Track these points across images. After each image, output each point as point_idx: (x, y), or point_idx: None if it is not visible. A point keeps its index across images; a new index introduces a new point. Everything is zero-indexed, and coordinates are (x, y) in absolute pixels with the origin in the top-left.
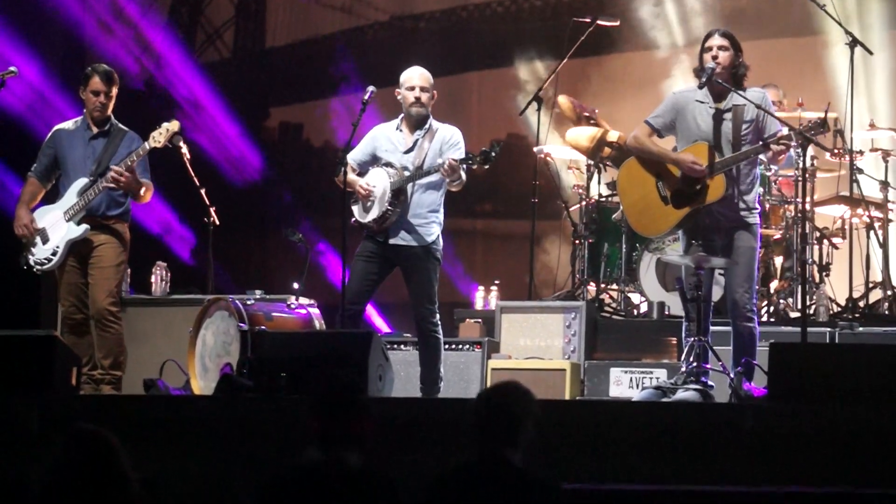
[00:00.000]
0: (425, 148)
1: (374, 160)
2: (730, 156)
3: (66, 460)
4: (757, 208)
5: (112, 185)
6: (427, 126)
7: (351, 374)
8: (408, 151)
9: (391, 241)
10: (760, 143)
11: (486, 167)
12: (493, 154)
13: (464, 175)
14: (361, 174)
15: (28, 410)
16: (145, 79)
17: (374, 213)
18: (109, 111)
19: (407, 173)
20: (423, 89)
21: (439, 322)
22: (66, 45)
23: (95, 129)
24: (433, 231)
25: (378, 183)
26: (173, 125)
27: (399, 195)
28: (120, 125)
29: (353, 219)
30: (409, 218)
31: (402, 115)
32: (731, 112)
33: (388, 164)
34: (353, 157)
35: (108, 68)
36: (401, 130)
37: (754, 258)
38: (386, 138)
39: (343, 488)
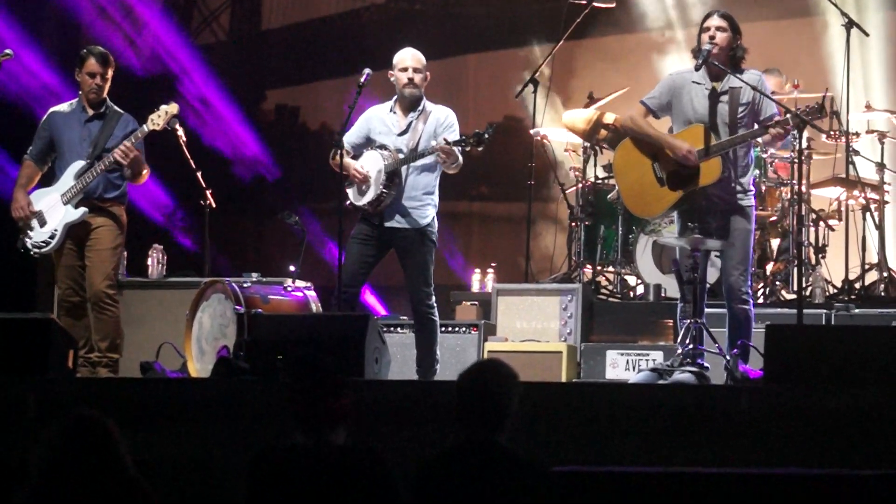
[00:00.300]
0: (419, 130)
1: (369, 142)
2: (726, 139)
3: (63, 444)
4: (752, 190)
5: (116, 161)
6: (421, 108)
7: (324, 355)
8: (402, 133)
9: (386, 224)
10: (757, 126)
11: (480, 149)
12: (487, 136)
13: (460, 157)
14: (356, 157)
15: (25, 393)
16: (141, 62)
17: (368, 196)
18: (105, 93)
19: (401, 156)
20: (415, 70)
21: (435, 304)
22: (62, 28)
23: (91, 112)
24: (428, 213)
25: (372, 166)
26: (172, 108)
27: (394, 178)
28: (115, 107)
29: (348, 201)
30: (403, 201)
31: (395, 97)
32: (727, 94)
33: (383, 147)
34: (348, 139)
35: (103, 50)
36: (395, 112)
37: (750, 240)
38: (380, 120)
39: (332, 467)
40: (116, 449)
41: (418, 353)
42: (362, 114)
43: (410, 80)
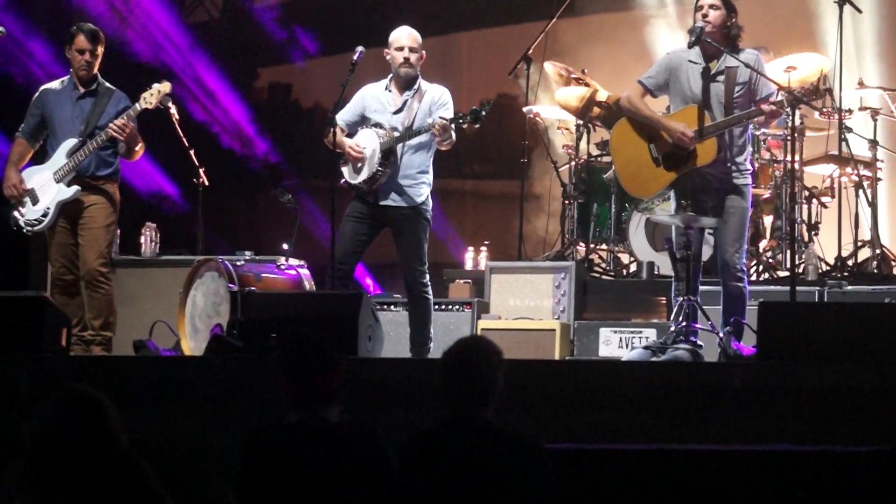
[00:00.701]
0: (414, 108)
1: (363, 121)
2: (721, 120)
3: (56, 417)
4: (749, 169)
5: (112, 136)
6: (416, 86)
7: (316, 333)
8: (397, 112)
9: (381, 203)
10: (752, 106)
11: (476, 126)
12: (483, 113)
13: (453, 135)
14: (350, 135)
15: (18, 372)
16: (133, 39)
17: (363, 175)
18: (96, 70)
19: (396, 134)
20: (411, 49)
21: (429, 283)
22: (53, 4)
23: (83, 89)
24: (423, 192)
25: (367, 144)
26: (164, 86)
27: (389, 156)
28: (107, 84)
29: (343, 180)
30: (398, 179)
31: (390, 75)
32: (723, 74)
33: (377, 125)
34: (342, 117)
35: (93, 27)
36: (390, 91)
37: (744, 219)
38: (375, 99)
39: (327, 444)
40: (110, 423)
41: (412, 331)
42: (357, 92)
43: (406, 59)
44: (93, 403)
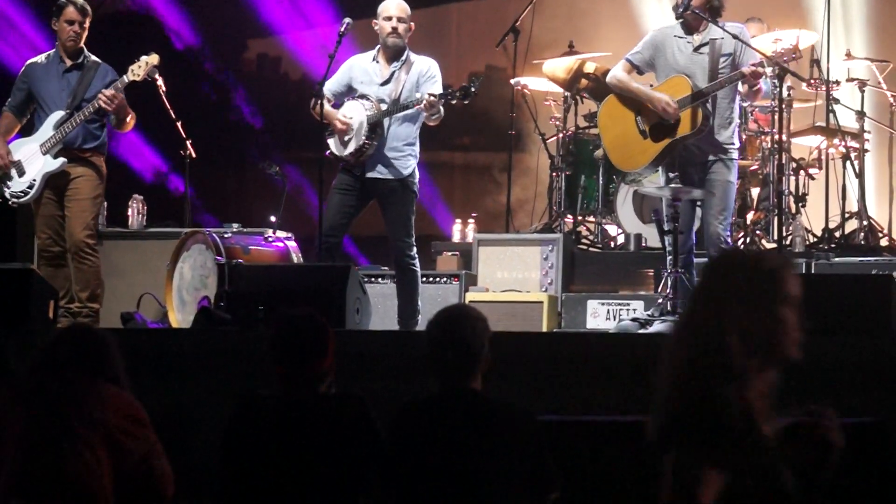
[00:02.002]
0: (402, 80)
1: (350, 91)
2: (706, 86)
3: (56, 344)
4: (735, 144)
5: (101, 108)
6: (404, 58)
7: (310, 310)
8: (384, 83)
9: (368, 175)
10: (731, 74)
11: (466, 102)
12: (473, 89)
13: (442, 110)
14: (336, 106)
15: (5, 344)
16: (122, 9)
17: (350, 147)
18: (82, 42)
19: (383, 106)
20: (399, 20)
21: (416, 255)
22: None
23: (69, 62)
24: (410, 164)
25: (354, 115)
26: (152, 58)
27: (376, 128)
28: (93, 57)
29: (328, 151)
30: (385, 151)
31: (378, 46)
32: (708, 46)
33: (364, 97)
34: (329, 88)
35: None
36: (377, 62)
37: (730, 191)
38: (362, 70)
39: (315, 413)
40: (110, 355)
41: (399, 303)
42: (344, 62)
43: (394, 28)
44: (95, 338)
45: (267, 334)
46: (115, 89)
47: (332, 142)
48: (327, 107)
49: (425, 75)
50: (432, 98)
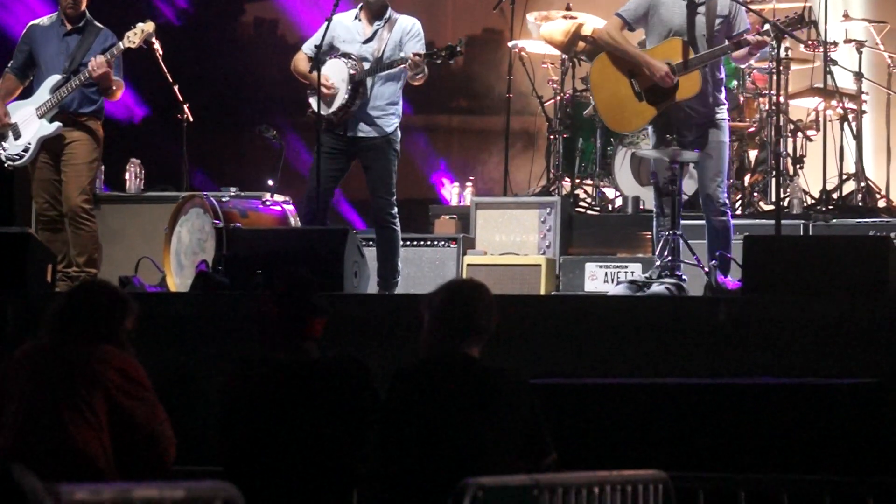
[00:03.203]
0: (385, 38)
1: (331, 50)
2: (705, 52)
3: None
4: (725, 104)
5: (89, 76)
6: (387, 16)
7: (303, 271)
8: (367, 41)
9: (350, 134)
10: (735, 41)
11: (452, 62)
12: (459, 49)
13: (426, 69)
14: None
15: (3, 309)
16: None
17: (333, 106)
18: (83, 7)
19: (366, 64)
20: None
21: (397, 215)
22: None
23: (69, 26)
24: (393, 122)
25: (337, 75)
26: (148, 26)
27: (359, 87)
28: (95, 22)
29: (310, 110)
30: (368, 110)
31: (360, 4)
32: (704, 6)
33: (346, 55)
34: (309, 46)
35: None
36: (359, 20)
37: (725, 152)
38: (344, 28)
39: (313, 376)
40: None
41: (379, 263)
42: (325, 20)
43: None
44: (107, 294)
45: (272, 290)
46: (111, 55)
47: (313, 101)
48: (307, 66)
49: (408, 33)
50: (417, 58)
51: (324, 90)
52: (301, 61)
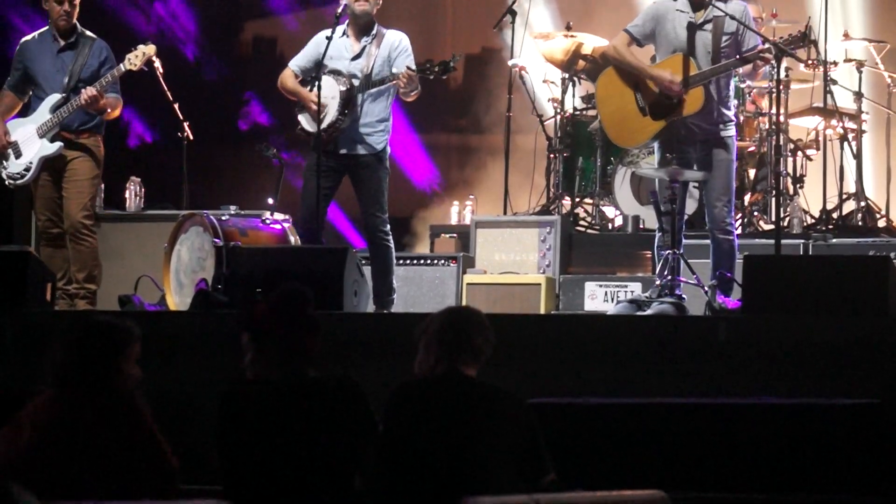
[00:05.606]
0: (373, 54)
1: (318, 67)
2: (707, 69)
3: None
4: (733, 121)
5: (82, 104)
6: (374, 32)
7: (303, 288)
8: (355, 58)
9: (341, 151)
10: (738, 56)
11: (444, 77)
12: (452, 65)
13: (419, 85)
14: (304, 82)
15: (2, 326)
16: None
17: (324, 123)
18: (74, 19)
19: (356, 81)
20: None
21: (390, 231)
22: None
23: (62, 42)
24: (383, 139)
25: (327, 91)
26: (149, 49)
27: (349, 104)
28: (87, 32)
29: (299, 127)
30: (359, 127)
31: (346, 21)
32: (710, 23)
33: (336, 72)
34: (296, 63)
35: None
36: (347, 36)
37: (731, 171)
38: (332, 45)
39: (309, 397)
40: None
41: (374, 280)
42: (312, 38)
43: None
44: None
45: (269, 306)
46: (111, 77)
47: (302, 118)
48: (294, 82)
49: (397, 49)
50: (411, 72)
51: (314, 106)
52: (288, 78)
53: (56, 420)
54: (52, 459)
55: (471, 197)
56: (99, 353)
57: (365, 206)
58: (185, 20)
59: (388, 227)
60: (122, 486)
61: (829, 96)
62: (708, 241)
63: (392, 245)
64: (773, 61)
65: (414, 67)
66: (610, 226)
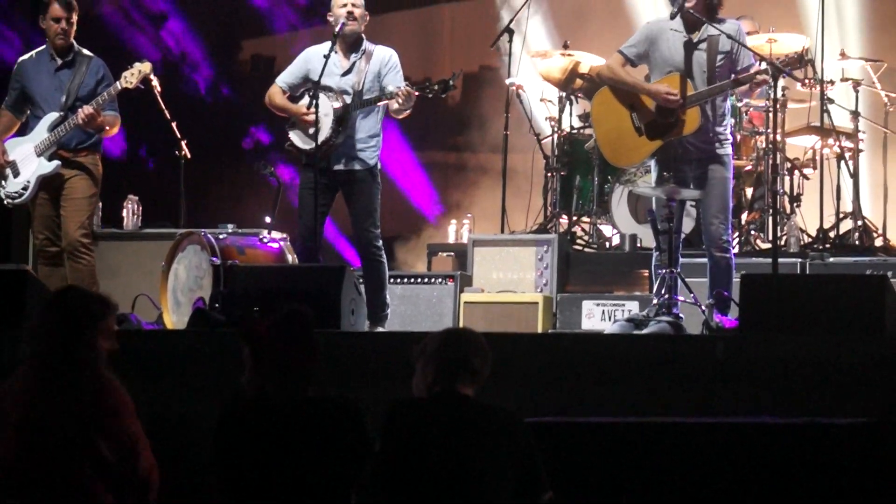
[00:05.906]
0: (363, 70)
1: (306, 83)
2: (704, 89)
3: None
4: (729, 139)
5: (79, 122)
6: (363, 48)
7: (302, 309)
8: (345, 74)
9: (334, 168)
10: (734, 77)
11: (443, 95)
12: (452, 83)
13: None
14: (292, 98)
15: (1, 345)
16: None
17: (318, 140)
18: (71, 38)
19: (347, 98)
20: (354, 5)
21: (382, 246)
22: None
23: (59, 60)
24: (375, 154)
25: (320, 108)
26: (146, 67)
27: (342, 120)
28: (83, 51)
29: (289, 143)
30: (350, 143)
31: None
32: (705, 43)
33: (327, 89)
34: (284, 80)
35: None
36: (336, 53)
37: (728, 189)
38: (320, 61)
39: (306, 415)
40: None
41: (367, 297)
42: (300, 54)
43: (350, 13)
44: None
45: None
46: (107, 95)
47: (294, 135)
48: (283, 98)
49: (387, 65)
50: (408, 89)
51: (305, 122)
52: (276, 94)
53: (30, 412)
54: (31, 458)
55: (468, 215)
56: (74, 320)
57: (358, 221)
58: (185, 39)
59: (381, 242)
60: (86, 475)
61: (826, 115)
62: (705, 260)
63: (385, 260)
64: (771, 81)
65: (403, 84)
66: (607, 244)
